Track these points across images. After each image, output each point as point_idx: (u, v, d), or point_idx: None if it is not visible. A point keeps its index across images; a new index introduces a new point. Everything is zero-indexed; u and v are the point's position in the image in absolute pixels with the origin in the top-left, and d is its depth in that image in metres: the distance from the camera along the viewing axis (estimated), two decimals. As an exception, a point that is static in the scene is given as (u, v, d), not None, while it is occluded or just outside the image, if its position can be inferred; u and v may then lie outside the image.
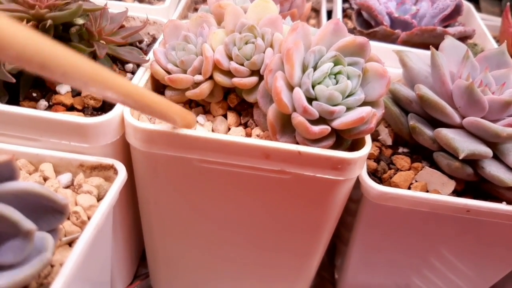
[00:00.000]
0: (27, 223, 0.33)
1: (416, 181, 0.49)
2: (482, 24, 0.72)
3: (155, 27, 0.60)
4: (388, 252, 0.57)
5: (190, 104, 0.51)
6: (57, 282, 0.34)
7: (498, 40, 0.75)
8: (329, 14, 0.76)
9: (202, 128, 0.47)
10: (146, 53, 0.56)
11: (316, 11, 0.80)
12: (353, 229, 0.55)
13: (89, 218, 0.41)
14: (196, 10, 0.75)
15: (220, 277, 0.60)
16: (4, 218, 0.33)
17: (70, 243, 0.40)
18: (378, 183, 0.49)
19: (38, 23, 0.44)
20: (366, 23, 0.67)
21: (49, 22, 0.42)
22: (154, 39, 0.60)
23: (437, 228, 0.50)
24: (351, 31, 0.69)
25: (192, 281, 0.61)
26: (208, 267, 0.59)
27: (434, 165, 0.49)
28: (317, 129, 0.42)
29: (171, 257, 0.58)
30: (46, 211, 0.36)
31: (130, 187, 0.51)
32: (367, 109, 0.42)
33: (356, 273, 0.62)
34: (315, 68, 0.44)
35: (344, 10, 0.76)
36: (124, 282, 0.63)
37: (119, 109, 0.45)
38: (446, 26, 0.65)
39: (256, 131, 0.48)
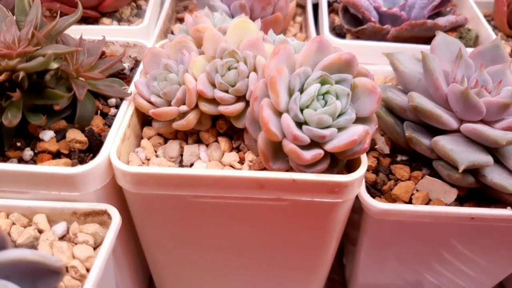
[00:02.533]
0: (21, 298, 0.32)
1: (417, 190, 0.47)
2: (475, 6, 0.69)
3: (136, 49, 0.58)
4: (397, 254, 0.56)
5: (177, 134, 0.50)
6: None
7: (492, 19, 0.72)
8: (316, 9, 0.73)
9: (199, 162, 0.46)
10: (129, 79, 0.54)
11: (302, 7, 0.77)
12: (359, 235, 0.54)
13: (87, 270, 0.40)
14: (178, 20, 0.73)
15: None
16: (-3, 295, 0.32)
17: (73, 298, 0.39)
18: (379, 195, 0.48)
19: (12, 73, 0.42)
20: (354, 19, 0.65)
21: (21, 74, 0.40)
22: (137, 62, 0.59)
23: (442, 235, 0.49)
24: (339, 27, 0.67)
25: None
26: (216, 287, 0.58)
27: (435, 171, 0.48)
28: (309, 155, 0.41)
29: (179, 282, 0.58)
30: (43, 274, 0.36)
31: (129, 219, 0.50)
32: (359, 130, 0.41)
33: (367, 274, 0.62)
34: (301, 91, 0.42)
35: (330, 4, 0.74)
36: (135, 308, 0.63)
37: (105, 152, 0.43)
38: (437, 14, 0.62)
39: (249, 155, 0.47)
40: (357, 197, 0.47)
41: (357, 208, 0.52)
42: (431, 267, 0.58)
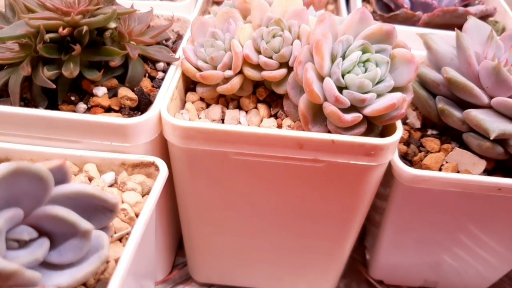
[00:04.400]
0: (84, 224, 0.35)
1: (446, 162, 0.50)
2: (502, 0, 0.72)
3: (179, 24, 0.62)
4: (419, 231, 0.58)
5: (219, 100, 0.52)
6: (115, 278, 0.36)
7: (518, 15, 0.74)
8: (347, -1, 0.76)
9: (240, 126, 0.49)
10: (173, 50, 0.57)
11: (333, -4, 0.80)
12: (385, 211, 0.56)
13: (136, 215, 0.43)
14: (215, 3, 0.76)
15: (255, 263, 0.62)
16: (62, 220, 0.34)
17: (120, 239, 0.42)
18: (409, 166, 0.50)
19: (73, 29, 0.45)
20: (386, 6, 0.68)
21: (85, 28, 0.43)
22: (179, 36, 0.62)
23: (468, 206, 0.51)
24: (371, 15, 0.69)
25: (229, 269, 0.64)
26: (244, 254, 0.61)
27: (463, 145, 0.50)
28: (349, 117, 0.43)
29: (209, 246, 0.60)
30: (97, 210, 0.38)
31: (168, 179, 0.53)
32: (397, 95, 0.43)
33: (388, 254, 0.64)
34: (343, 57, 0.45)
35: (362, -6, 0.77)
36: (164, 272, 0.65)
37: (156, 108, 0.46)
38: (466, 5, 0.65)
39: (287, 121, 0.49)
40: (386, 174, 0.49)
41: (386, 183, 0.54)
42: (451, 248, 0.60)
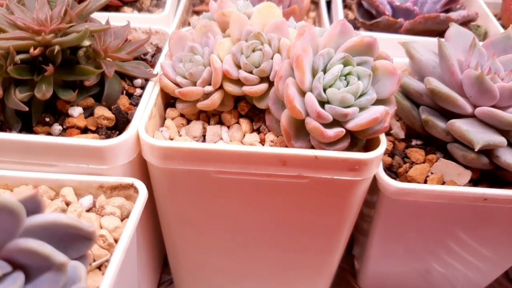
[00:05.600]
0: (59, 256, 0.33)
1: (432, 173, 0.49)
2: (484, 4, 0.72)
3: (158, 37, 0.60)
4: (408, 241, 0.58)
5: (200, 115, 0.51)
6: (94, 309, 0.35)
7: (500, 18, 0.74)
8: (329, 5, 0.75)
9: (221, 142, 0.48)
10: (152, 64, 0.56)
11: (315, 3, 0.79)
12: (373, 221, 0.56)
13: (115, 240, 0.42)
14: (194, 13, 0.75)
15: (243, 279, 0.61)
16: (36, 253, 0.33)
17: (99, 267, 0.40)
18: (394, 178, 0.49)
19: (45, 49, 0.43)
20: (368, 13, 0.67)
21: (56, 48, 0.42)
22: (158, 49, 0.60)
23: (455, 216, 0.51)
24: (353, 22, 0.69)
25: (216, 285, 0.62)
26: (231, 269, 0.59)
27: (448, 155, 0.50)
28: (332, 132, 0.42)
29: (194, 263, 0.59)
30: (74, 239, 0.37)
31: (150, 198, 0.51)
32: (380, 108, 0.42)
33: (377, 263, 0.63)
34: (325, 71, 0.44)
35: (344, 0, 0.76)
36: (149, 290, 0.64)
37: (134, 128, 0.45)
38: (448, 10, 0.64)
39: (270, 136, 0.48)
40: (372, 184, 0.48)
41: (373, 193, 0.53)
42: (440, 255, 0.60)
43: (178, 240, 0.55)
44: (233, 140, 0.49)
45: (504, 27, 0.72)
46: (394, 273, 0.64)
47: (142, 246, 0.56)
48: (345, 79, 0.44)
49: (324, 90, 0.43)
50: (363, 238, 0.64)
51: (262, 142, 0.49)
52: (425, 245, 0.58)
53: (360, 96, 0.44)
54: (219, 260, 0.57)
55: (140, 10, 0.68)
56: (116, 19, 0.59)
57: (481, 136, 0.44)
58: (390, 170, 0.50)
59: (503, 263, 0.62)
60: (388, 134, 0.53)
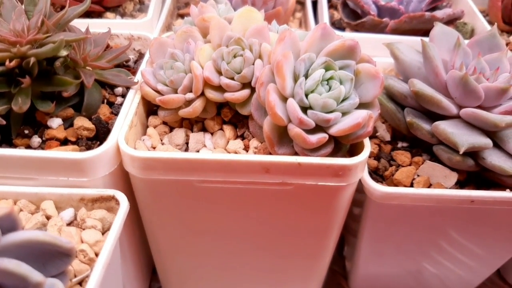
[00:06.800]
0: (35, 276, 0.33)
1: (418, 175, 0.48)
2: (470, 1, 0.71)
3: (140, 42, 0.59)
4: (397, 242, 0.57)
5: (182, 122, 0.50)
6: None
7: (487, 14, 0.74)
8: (315, 5, 0.74)
9: (205, 149, 0.47)
10: (134, 71, 0.55)
11: (301, 3, 0.78)
12: (361, 224, 0.55)
13: (96, 254, 0.41)
14: (179, 16, 0.74)
15: (233, 284, 0.60)
16: (12, 273, 0.32)
17: (81, 282, 0.40)
18: (380, 181, 0.49)
19: (21, 60, 0.43)
20: (353, 13, 0.66)
21: (32, 60, 0.41)
22: (141, 55, 0.59)
23: (443, 219, 0.50)
24: (339, 22, 0.68)
25: (205, 291, 0.62)
26: (219, 276, 0.59)
27: (435, 157, 0.49)
28: (314, 139, 0.42)
29: (182, 271, 0.58)
30: (53, 256, 0.36)
31: (134, 209, 0.51)
32: (363, 113, 0.42)
33: (367, 264, 0.63)
34: (306, 76, 0.43)
35: (329, 0, 0.75)
36: (139, 299, 0.63)
37: (113, 139, 0.44)
38: (434, 8, 0.64)
39: (254, 142, 0.48)
40: (359, 184, 0.48)
41: (359, 200, 0.53)
42: (431, 255, 0.59)
43: (164, 248, 0.54)
44: (217, 147, 0.48)
45: (492, 23, 0.71)
46: (385, 274, 0.64)
47: (128, 255, 0.55)
48: (327, 84, 0.43)
49: (306, 96, 0.43)
50: (353, 239, 0.63)
51: (247, 148, 0.48)
52: (415, 246, 0.58)
53: (343, 100, 0.43)
54: (207, 267, 0.57)
55: (123, 15, 0.67)
56: (97, 25, 0.58)
57: (465, 138, 0.43)
58: (377, 173, 0.49)
59: (494, 261, 0.61)
60: (374, 136, 0.52)
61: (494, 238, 0.55)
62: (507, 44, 0.68)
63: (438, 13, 0.60)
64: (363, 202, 0.52)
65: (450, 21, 0.63)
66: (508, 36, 0.70)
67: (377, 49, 0.58)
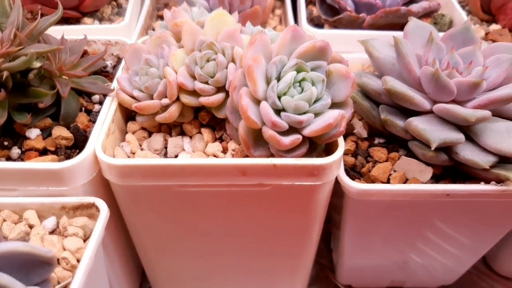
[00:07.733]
0: (16, 286, 0.33)
1: (394, 171, 0.49)
2: (448, -8, 0.71)
3: (118, 47, 0.60)
4: (379, 235, 0.58)
5: (161, 127, 0.51)
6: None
7: (467, 4, 0.74)
8: (294, 2, 0.74)
9: (184, 153, 0.48)
10: (112, 76, 0.55)
11: (280, 0, 0.78)
12: (342, 218, 0.56)
13: (78, 261, 0.42)
14: (159, 17, 0.74)
15: (219, 283, 0.61)
16: (-8, 285, 0.33)
17: (64, 289, 0.41)
18: (358, 177, 0.50)
19: (-5, 74, 0.43)
20: (331, 9, 0.66)
21: (5, 74, 0.41)
22: (119, 60, 0.60)
23: (423, 211, 0.51)
24: (317, 18, 0.68)
25: (194, 290, 0.63)
26: (206, 276, 0.60)
27: (411, 152, 0.50)
28: (288, 140, 0.42)
29: (169, 271, 0.59)
30: (35, 265, 0.37)
31: (118, 213, 0.52)
32: (334, 114, 0.42)
33: (352, 256, 0.64)
34: (278, 79, 0.44)
35: (308, -4, 0.75)
36: (130, 299, 0.64)
37: (90, 148, 0.45)
38: (410, 2, 0.64)
39: (232, 145, 0.48)
40: (337, 180, 0.48)
41: (339, 192, 0.53)
42: (415, 246, 0.60)
43: (149, 250, 0.55)
44: (195, 150, 0.49)
45: (471, 13, 0.72)
46: (370, 266, 0.65)
47: (116, 258, 0.56)
48: (299, 86, 0.44)
49: (279, 98, 0.43)
50: (337, 232, 0.64)
51: (225, 150, 0.49)
52: (397, 238, 0.59)
53: (315, 101, 0.44)
54: (193, 268, 0.58)
55: (101, 19, 0.67)
56: (74, 32, 0.58)
57: (437, 134, 0.44)
58: (354, 170, 0.50)
59: (478, 249, 0.62)
60: (351, 133, 0.53)
61: (475, 227, 0.56)
62: (486, 34, 0.68)
63: (414, 7, 0.61)
64: (343, 196, 0.53)
65: (427, 14, 0.63)
66: (488, 25, 0.70)
67: (355, 45, 0.58)
